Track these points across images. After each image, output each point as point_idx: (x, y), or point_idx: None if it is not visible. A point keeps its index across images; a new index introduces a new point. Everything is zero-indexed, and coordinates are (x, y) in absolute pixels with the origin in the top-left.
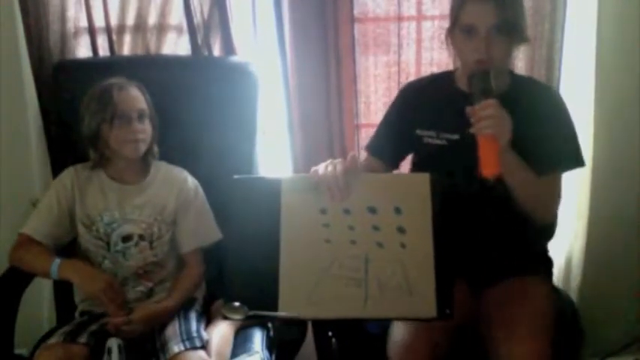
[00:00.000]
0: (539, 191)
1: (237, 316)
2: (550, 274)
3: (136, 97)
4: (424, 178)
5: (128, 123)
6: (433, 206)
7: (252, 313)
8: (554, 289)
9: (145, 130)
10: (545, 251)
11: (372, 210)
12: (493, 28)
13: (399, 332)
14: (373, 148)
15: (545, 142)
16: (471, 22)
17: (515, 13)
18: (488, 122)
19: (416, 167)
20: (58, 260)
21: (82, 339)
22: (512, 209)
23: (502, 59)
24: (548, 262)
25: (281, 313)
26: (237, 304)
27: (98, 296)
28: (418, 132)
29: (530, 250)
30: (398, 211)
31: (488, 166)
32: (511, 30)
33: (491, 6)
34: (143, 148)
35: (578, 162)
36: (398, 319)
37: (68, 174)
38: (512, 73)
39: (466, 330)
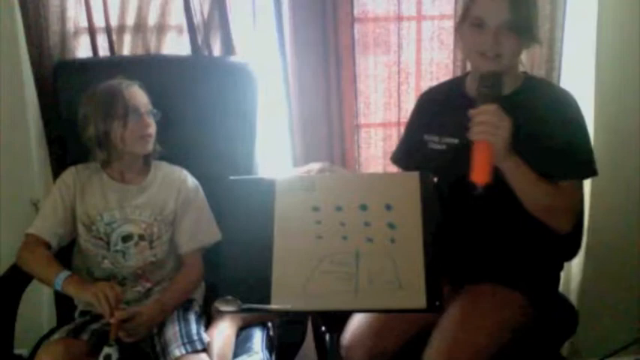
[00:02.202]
0: (550, 200)
1: (230, 308)
2: (536, 292)
3: (142, 94)
4: (414, 177)
5: (141, 118)
6: (422, 203)
7: (245, 306)
8: (531, 312)
9: (153, 125)
10: (543, 268)
11: (364, 207)
12: (504, 23)
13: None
14: (393, 155)
15: (556, 148)
16: (482, 15)
17: (528, 12)
18: (482, 128)
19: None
20: (62, 275)
21: (85, 336)
22: (509, 215)
23: (510, 57)
24: (540, 280)
25: (273, 306)
26: (229, 297)
27: (95, 294)
28: (425, 137)
29: (521, 261)
30: (388, 207)
31: (478, 174)
32: (522, 29)
33: (506, 2)
34: (152, 144)
35: (590, 171)
36: (388, 310)
37: (70, 173)
38: (525, 75)
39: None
